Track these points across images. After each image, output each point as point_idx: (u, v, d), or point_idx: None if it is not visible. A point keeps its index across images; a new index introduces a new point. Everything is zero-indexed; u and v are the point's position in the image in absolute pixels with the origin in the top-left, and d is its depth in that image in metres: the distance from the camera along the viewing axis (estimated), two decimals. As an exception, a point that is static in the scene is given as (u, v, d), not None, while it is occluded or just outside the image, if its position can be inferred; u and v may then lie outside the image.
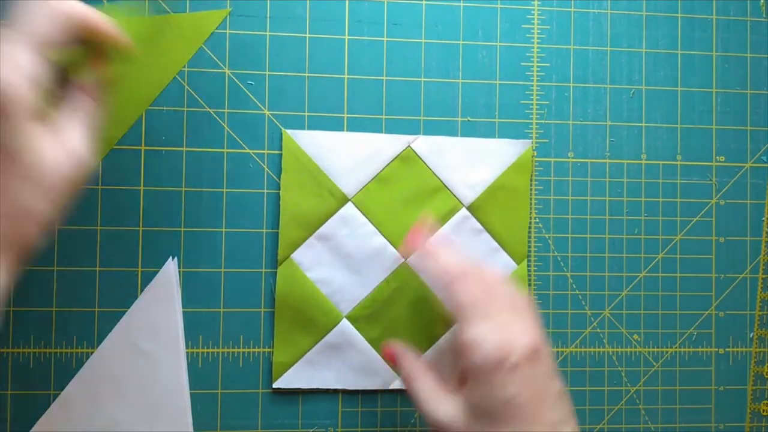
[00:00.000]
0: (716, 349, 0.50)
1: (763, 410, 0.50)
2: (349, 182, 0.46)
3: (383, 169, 0.46)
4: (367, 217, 0.46)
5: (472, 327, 0.34)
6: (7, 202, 0.27)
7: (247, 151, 0.46)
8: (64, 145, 0.28)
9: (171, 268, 0.45)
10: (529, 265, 0.48)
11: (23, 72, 0.26)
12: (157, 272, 0.45)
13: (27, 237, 0.28)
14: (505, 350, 0.32)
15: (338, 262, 0.46)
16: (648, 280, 0.49)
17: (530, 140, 0.48)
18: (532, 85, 0.48)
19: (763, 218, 0.50)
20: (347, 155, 0.46)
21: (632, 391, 0.49)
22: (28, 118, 0.26)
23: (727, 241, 0.50)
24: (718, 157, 0.50)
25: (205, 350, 0.46)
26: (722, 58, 0.50)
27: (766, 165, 0.50)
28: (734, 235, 0.50)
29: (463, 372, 0.35)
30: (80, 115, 0.30)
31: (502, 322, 0.34)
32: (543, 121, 0.48)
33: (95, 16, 0.30)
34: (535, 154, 0.48)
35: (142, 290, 0.45)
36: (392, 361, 0.41)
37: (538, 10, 0.48)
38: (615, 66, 0.49)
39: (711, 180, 0.50)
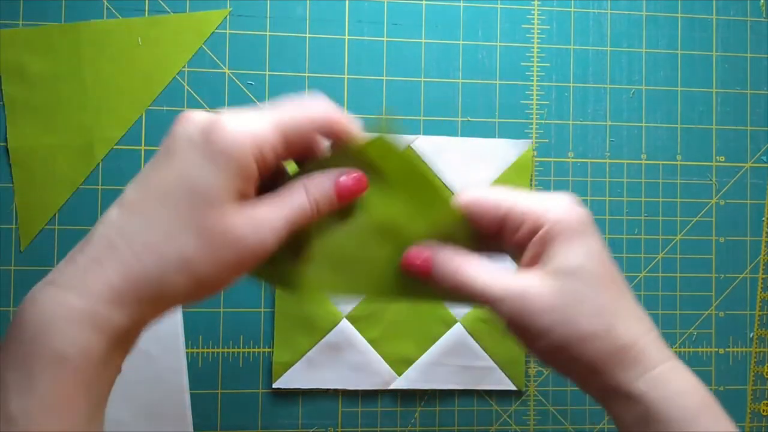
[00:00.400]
0: (716, 349, 0.50)
1: (763, 410, 0.50)
2: (349, 182, 0.46)
3: (383, 169, 0.46)
4: (367, 217, 0.46)
5: (536, 195, 0.30)
6: (172, 249, 0.26)
7: (247, 151, 0.46)
8: (255, 222, 0.27)
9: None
10: (529, 265, 0.48)
11: (255, 139, 0.26)
12: (157, 272, 0.45)
13: (175, 290, 0.26)
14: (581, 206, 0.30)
15: (338, 262, 0.46)
16: (648, 280, 0.49)
17: (530, 140, 0.48)
18: (532, 85, 0.48)
19: (763, 218, 0.50)
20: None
21: (632, 391, 0.49)
22: (238, 172, 0.26)
23: (727, 241, 0.50)
24: (718, 157, 0.50)
25: (205, 350, 0.46)
26: (722, 58, 0.50)
27: (766, 165, 0.50)
28: (734, 235, 0.50)
29: (537, 243, 0.30)
30: (289, 206, 0.28)
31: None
32: (543, 121, 0.48)
33: (346, 127, 0.29)
34: (535, 154, 0.48)
35: (142, 290, 0.45)
36: (423, 270, 0.30)
37: (538, 10, 0.48)
38: (615, 66, 0.49)
39: (711, 180, 0.50)
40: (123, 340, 0.26)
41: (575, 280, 0.29)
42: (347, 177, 0.29)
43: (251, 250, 0.27)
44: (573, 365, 0.30)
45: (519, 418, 0.48)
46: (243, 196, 0.27)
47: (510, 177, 0.47)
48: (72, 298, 0.24)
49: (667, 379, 0.29)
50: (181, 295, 0.26)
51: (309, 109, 0.28)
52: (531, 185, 0.48)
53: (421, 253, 0.31)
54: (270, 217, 0.27)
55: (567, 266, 0.29)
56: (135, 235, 0.26)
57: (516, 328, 0.29)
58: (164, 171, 0.26)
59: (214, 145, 0.25)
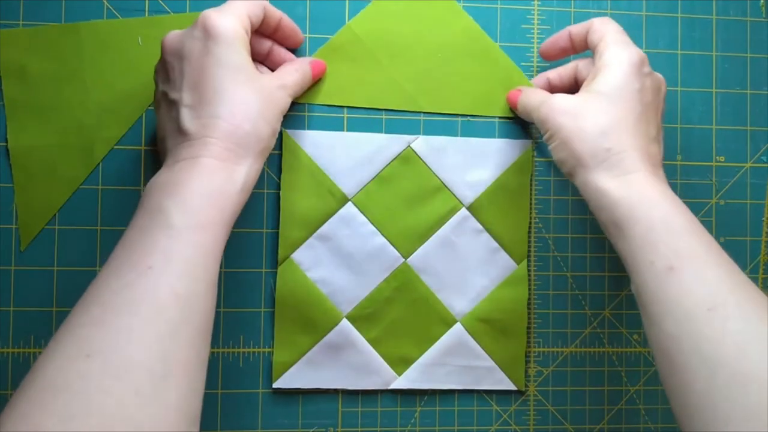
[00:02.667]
0: (716, 349, 0.49)
1: (763, 410, 0.50)
2: (349, 182, 0.46)
3: (383, 169, 0.46)
4: (367, 217, 0.46)
5: (620, 36, 0.41)
6: (243, 105, 0.36)
7: (247, 151, 0.46)
8: (279, 81, 0.40)
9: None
10: (529, 265, 0.48)
11: (238, 22, 0.37)
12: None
13: (264, 134, 0.37)
14: (643, 58, 0.40)
15: (338, 262, 0.46)
16: (648, 280, 0.49)
17: (530, 140, 0.48)
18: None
19: (763, 218, 0.50)
20: (347, 155, 0.46)
21: (632, 391, 0.49)
22: (243, 46, 0.37)
23: (727, 241, 0.50)
24: (718, 157, 0.50)
25: (205, 350, 0.46)
26: (722, 58, 0.50)
27: (766, 165, 0.50)
28: (734, 235, 0.50)
29: (593, 72, 0.41)
30: (296, 69, 0.42)
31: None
32: (543, 121, 0.48)
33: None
34: (535, 154, 0.48)
35: (142, 290, 0.45)
36: (514, 104, 0.46)
37: (538, 10, 0.48)
38: (615, 66, 0.49)
39: (711, 180, 0.50)
40: (245, 185, 0.36)
41: (597, 98, 0.39)
42: (315, 61, 0.45)
43: (281, 100, 0.40)
44: (571, 159, 0.39)
45: (519, 418, 0.48)
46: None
47: (510, 177, 0.47)
48: (205, 159, 0.35)
49: (638, 181, 0.36)
50: (267, 140, 0.38)
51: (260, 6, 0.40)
52: (531, 185, 0.48)
53: (519, 89, 0.46)
54: (292, 81, 0.41)
55: (594, 88, 0.39)
56: (221, 113, 0.36)
57: (543, 127, 0.41)
58: (204, 71, 0.36)
59: (216, 36, 0.36)
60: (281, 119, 0.39)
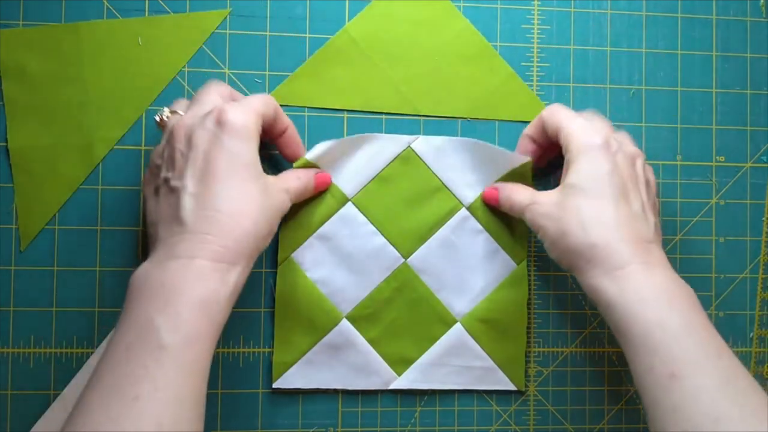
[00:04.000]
0: (716, 349, 0.49)
1: (763, 410, 0.50)
2: (349, 182, 0.46)
3: (383, 169, 0.46)
4: (367, 217, 0.46)
5: (575, 121, 0.41)
6: (246, 202, 0.36)
7: (247, 151, 0.46)
8: (283, 185, 0.40)
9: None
10: (529, 265, 0.48)
11: (252, 119, 0.37)
12: (157, 272, 0.45)
13: (263, 237, 0.37)
14: (606, 136, 0.40)
15: (338, 262, 0.46)
16: (648, 280, 0.49)
17: (529, 158, 0.47)
18: (533, 85, 0.48)
19: (763, 218, 0.50)
20: (347, 155, 0.46)
21: (632, 391, 0.49)
22: (254, 142, 0.37)
23: (727, 241, 0.50)
24: (718, 157, 0.50)
25: (205, 350, 0.45)
26: (722, 58, 0.50)
27: (766, 165, 0.50)
28: (734, 235, 0.50)
29: (565, 164, 0.41)
30: (299, 178, 0.42)
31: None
32: (543, 121, 0.48)
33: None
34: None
35: (142, 290, 0.45)
36: (493, 196, 0.45)
37: (538, 10, 0.48)
38: (615, 66, 0.49)
39: (711, 180, 0.50)
40: (236, 289, 0.36)
41: (571, 194, 0.39)
42: (320, 173, 0.44)
43: (283, 202, 0.39)
44: (564, 259, 0.39)
45: (519, 418, 0.48)
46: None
47: (511, 176, 0.47)
48: (200, 261, 0.34)
49: (630, 277, 0.36)
50: (263, 241, 0.37)
51: (267, 100, 0.40)
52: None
53: (494, 187, 0.45)
54: (294, 189, 0.41)
55: (568, 183, 0.40)
56: (224, 207, 0.35)
57: (534, 228, 0.41)
58: (212, 162, 0.35)
59: (230, 129, 0.36)
60: (279, 222, 0.39)
